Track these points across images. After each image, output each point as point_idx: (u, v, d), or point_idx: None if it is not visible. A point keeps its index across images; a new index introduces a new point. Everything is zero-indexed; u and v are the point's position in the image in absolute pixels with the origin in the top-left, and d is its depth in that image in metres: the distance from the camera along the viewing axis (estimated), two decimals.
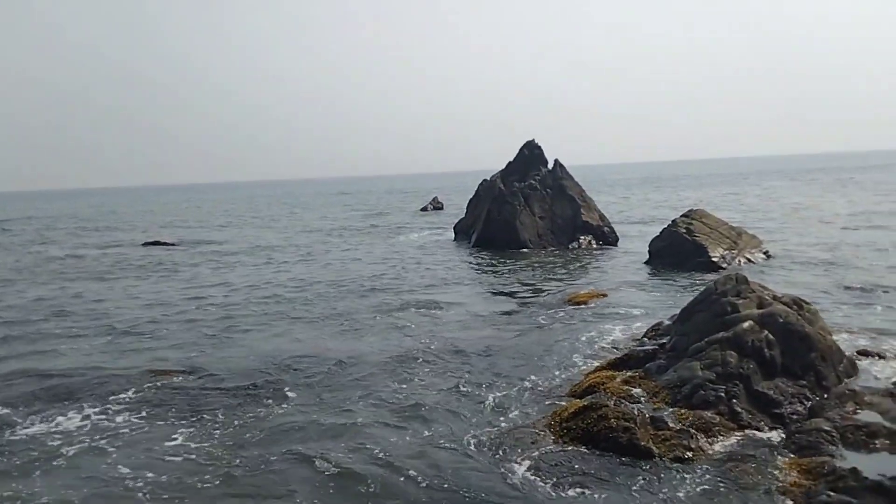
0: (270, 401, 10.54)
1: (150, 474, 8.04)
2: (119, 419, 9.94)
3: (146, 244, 37.78)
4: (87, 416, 10.05)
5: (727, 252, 21.48)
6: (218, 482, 7.83)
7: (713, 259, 20.74)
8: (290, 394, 10.85)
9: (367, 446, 8.67)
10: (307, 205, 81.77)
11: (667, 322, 11.64)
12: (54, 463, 8.48)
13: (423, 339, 14.04)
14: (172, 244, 37.43)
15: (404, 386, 11.05)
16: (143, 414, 10.12)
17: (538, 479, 7.62)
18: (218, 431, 9.35)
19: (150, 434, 9.37)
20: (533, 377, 11.19)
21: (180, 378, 11.85)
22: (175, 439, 9.10)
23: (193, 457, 8.55)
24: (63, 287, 23.21)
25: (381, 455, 8.40)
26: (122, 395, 10.94)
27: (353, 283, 21.92)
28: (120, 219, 65.91)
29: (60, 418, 9.99)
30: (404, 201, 78.36)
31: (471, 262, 26.46)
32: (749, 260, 21.59)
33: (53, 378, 11.92)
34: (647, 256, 22.94)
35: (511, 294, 19.05)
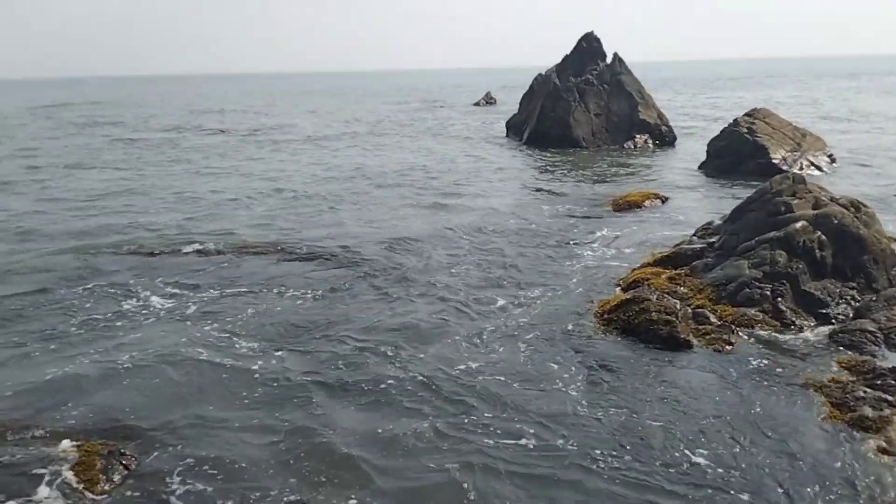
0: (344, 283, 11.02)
1: (226, 341, 8.68)
2: (198, 292, 10.59)
3: (206, 130, 38.56)
4: (166, 290, 10.73)
5: (789, 154, 20.73)
6: (288, 356, 8.40)
7: (773, 160, 20.07)
8: (358, 274, 11.31)
9: (418, 338, 9.09)
10: (355, 97, 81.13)
11: (717, 221, 11.52)
12: (131, 331, 9.18)
13: (469, 234, 14.26)
14: (223, 130, 38.20)
15: (451, 279, 11.36)
16: (220, 288, 10.76)
17: (576, 364, 7.93)
18: (299, 304, 9.92)
19: (225, 307, 9.99)
20: (578, 271, 11.37)
21: (258, 254, 12.57)
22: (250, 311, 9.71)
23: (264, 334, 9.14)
24: (139, 169, 24.09)
25: (433, 340, 8.83)
26: (201, 270, 11.68)
27: (400, 174, 22.11)
28: (156, 108, 66.80)
29: (141, 291, 10.70)
30: (456, 96, 76.96)
31: (520, 159, 26.24)
32: (812, 163, 20.82)
33: (134, 254, 12.68)
34: (705, 157, 22.33)
35: (560, 192, 18.98)
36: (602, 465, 5.97)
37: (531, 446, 6.28)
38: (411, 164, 24.49)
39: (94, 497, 5.56)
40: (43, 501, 5.47)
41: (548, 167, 23.76)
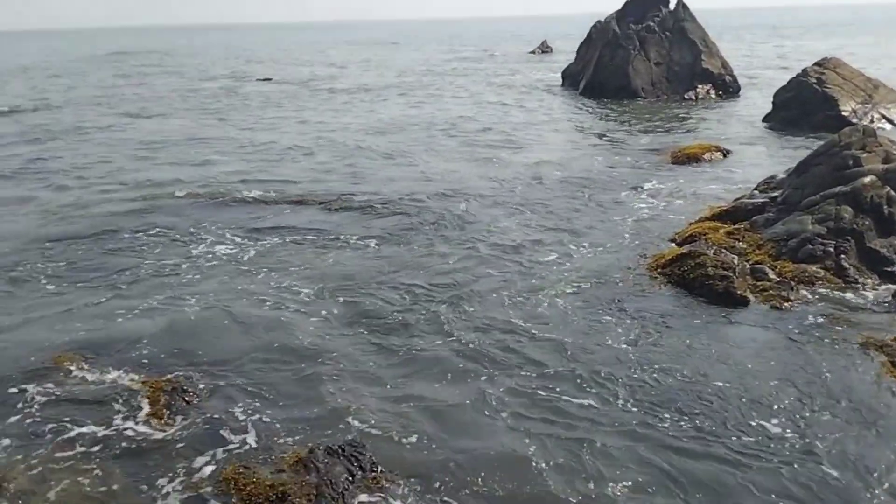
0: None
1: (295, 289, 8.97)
2: (258, 240, 10.92)
3: (260, 80, 38.99)
4: (228, 237, 11.09)
5: (860, 106, 19.73)
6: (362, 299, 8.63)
7: (843, 113, 19.14)
8: (411, 225, 11.45)
9: (476, 288, 9.18)
10: (409, 47, 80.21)
11: (781, 175, 11.16)
12: (195, 275, 9.55)
13: (522, 185, 14.18)
14: (276, 80, 38.51)
15: (504, 232, 11.36)
16: (280, 236, 11.07)
17: (630, 320, 7.91)
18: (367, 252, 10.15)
19: (284, 254, 10.29)
20: (632, 225, 11.23)
21: (315, 204, 12.91)
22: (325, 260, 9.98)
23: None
24: (200, 118, 24.60)
25: (485, 293, 8.92)
26: (261, 217, 12.08)
27: (453, 125, 21.97)
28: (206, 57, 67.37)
29: (204, 237, 11.08)
30: (512, 44, 75.30)
31: (576, 110, 25.71)
32: (884, 116, 19.79)
33: (197, 201, 13.09)
34: (770, 109, 21.45)
35: (616, 144, 18.59)
36: (665, 428, 5.84)
37: (589, 405, 6.26)
38: (464, 115, 24.28)
39: (161, 429, 5.91)
40: (113, 433, 5.85)
41: (604, 118, 23.24)
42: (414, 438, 5.80)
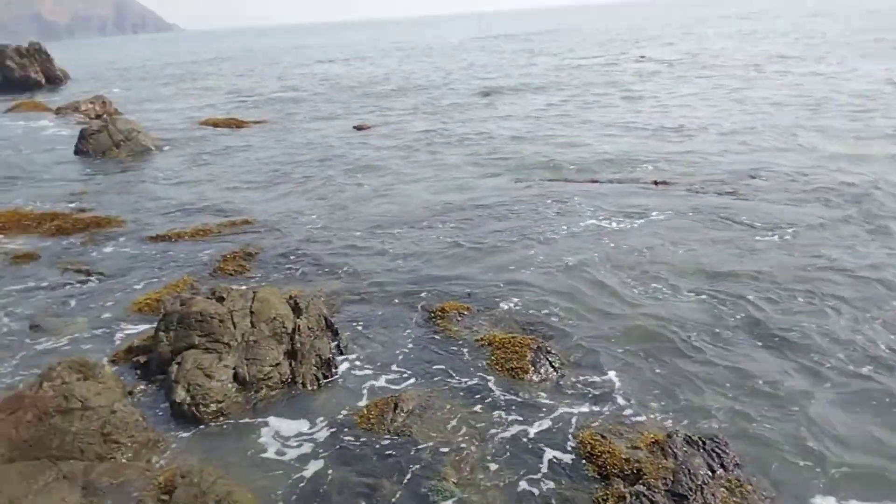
0: None
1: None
2: (644, 218, 11.00)
3: (636, 60, 38.73)
4: (611, 213, 11.37)
5: None
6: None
7: None
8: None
9: None
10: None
11: None
12: (573, 240, 9.96)
13: None
14: (651, 58, 37.59)
15: None
16: (667, 217, 11.00)
17: None
18: None
19: (664, 236, 10.19)
20: None
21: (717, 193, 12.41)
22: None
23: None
24: (579, 95, 25.65)
25: None
26: (645, 197, 12.05)
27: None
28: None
29: (589, 211, 11.51)
30: None
31: None
32: None
33: (584, 179, 13.61)
34: None
35: None
36: None
37: None
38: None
39: (529, 383, 6.26)
40: (477, 383, 6.39)
41: None
42: (788, 451, 5.20)
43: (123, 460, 5.24)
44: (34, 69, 43.75)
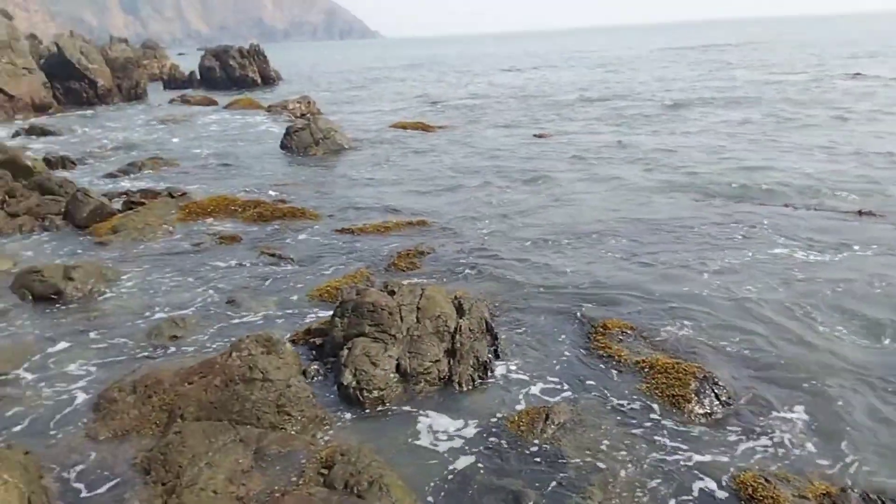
0: None
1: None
2: (835, 249, 10.13)
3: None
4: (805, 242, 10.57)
5: None
6: None
7: None
8: None
9: None
10: None
11: None
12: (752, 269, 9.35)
13: None
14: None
15: None
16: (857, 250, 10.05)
17: None
18: None
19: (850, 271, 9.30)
20: None
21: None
22: None
23: None
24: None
25: None
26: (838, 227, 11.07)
27: None
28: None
29: (777, 238, 10.79)
30: None
31: None
32: None
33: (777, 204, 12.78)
34: None
35: None
36: None
37: None
38: None
39: (691, 413, 5.97)
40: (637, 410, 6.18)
41: None
42: None
43: (292, 432, 5.73)
44: (252, 69, 48.78)
